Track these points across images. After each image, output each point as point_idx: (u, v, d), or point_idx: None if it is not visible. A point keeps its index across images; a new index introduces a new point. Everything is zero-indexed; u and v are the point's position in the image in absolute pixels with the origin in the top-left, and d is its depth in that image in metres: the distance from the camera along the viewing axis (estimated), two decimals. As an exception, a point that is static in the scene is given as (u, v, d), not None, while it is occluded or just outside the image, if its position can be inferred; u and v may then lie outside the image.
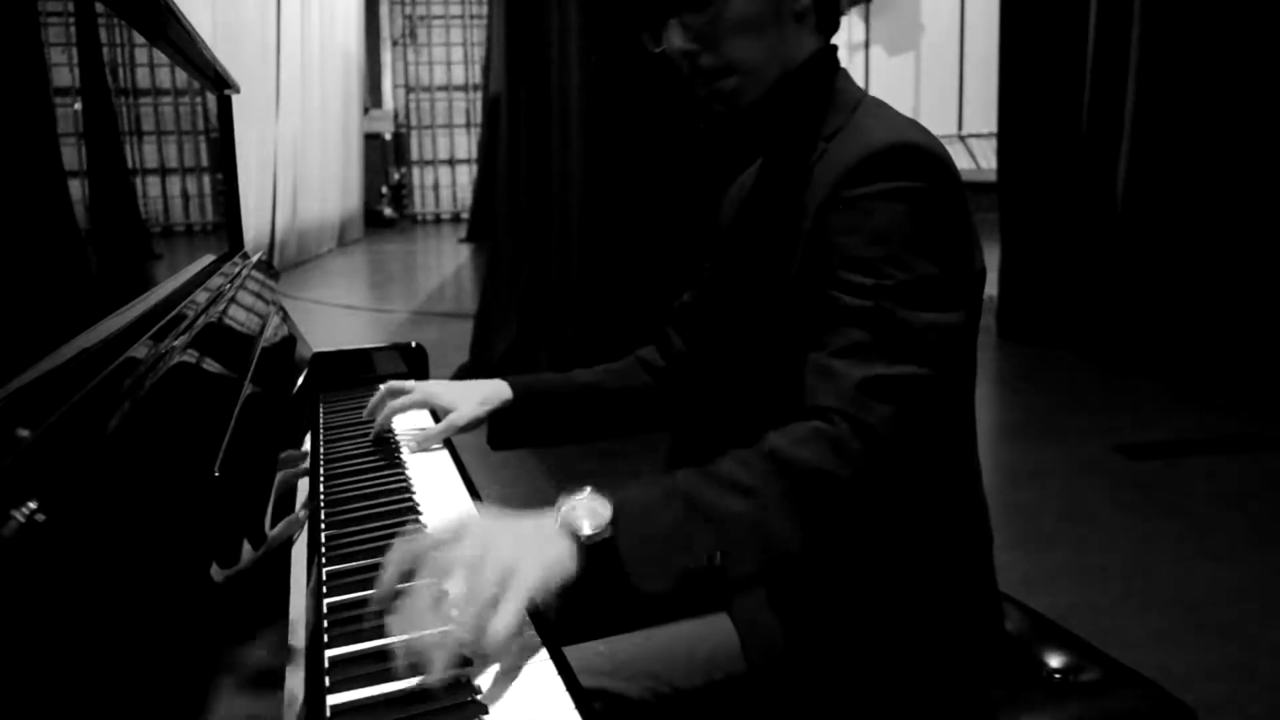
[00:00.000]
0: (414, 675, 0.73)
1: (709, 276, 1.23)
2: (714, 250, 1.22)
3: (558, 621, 1.15)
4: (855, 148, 0.94)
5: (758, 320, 1.04)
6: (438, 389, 1.30)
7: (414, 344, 1.73)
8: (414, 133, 15.26)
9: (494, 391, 1.27)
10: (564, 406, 1.29)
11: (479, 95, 14.32)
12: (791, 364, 0.94)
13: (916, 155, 0.92)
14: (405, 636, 0.75)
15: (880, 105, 1.02)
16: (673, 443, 1.20)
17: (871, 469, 0.85)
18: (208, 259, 1.59)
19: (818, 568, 0.99)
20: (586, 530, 0.81)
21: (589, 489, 0.84)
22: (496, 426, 1.28)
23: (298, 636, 0.78)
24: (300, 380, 1.47)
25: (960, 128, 11.34)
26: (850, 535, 0.89)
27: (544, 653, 0.78)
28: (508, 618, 0.73)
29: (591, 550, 0.80)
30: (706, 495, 0.84)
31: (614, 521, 0.81)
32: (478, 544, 0.78)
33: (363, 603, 0.85)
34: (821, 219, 0.94)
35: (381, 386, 1.33)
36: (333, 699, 0.71)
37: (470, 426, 1.27)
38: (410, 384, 1.32)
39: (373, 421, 1.33)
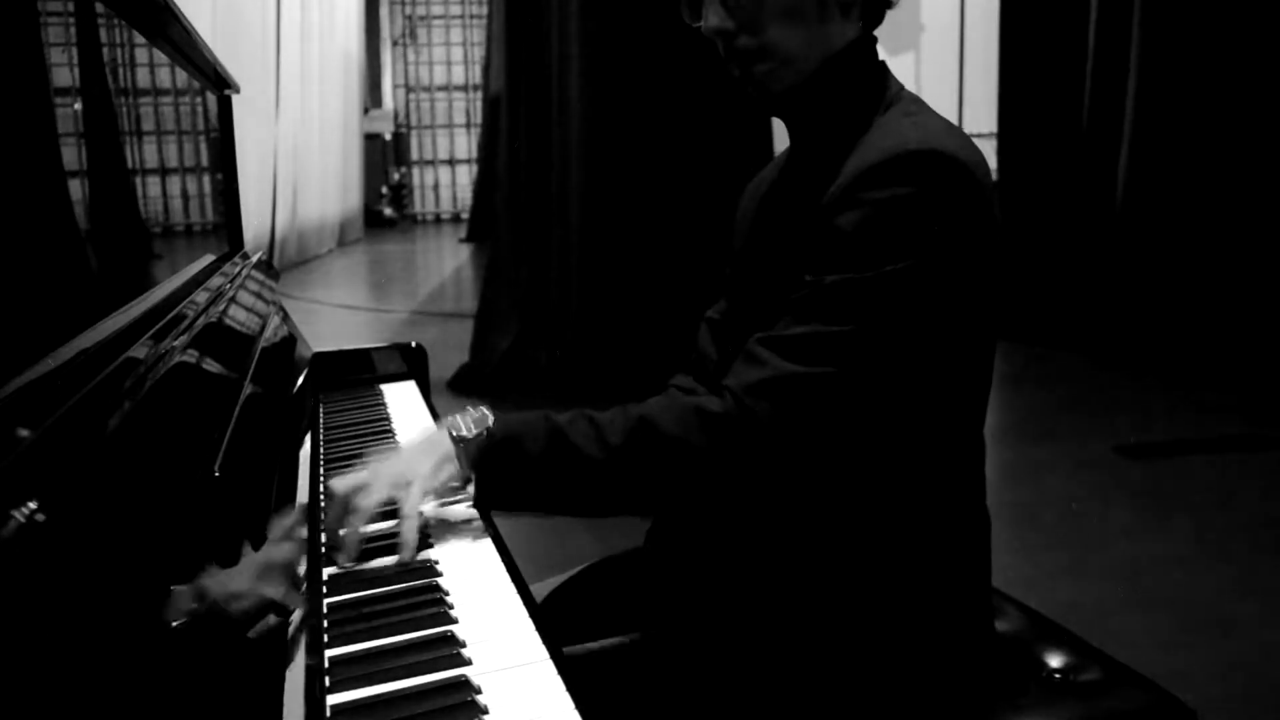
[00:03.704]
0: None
1: (733, 283, 1.19)
2: (735, 255, 1.19)
3: (558, 623, 1.15)
4: (880, 147, 0.92)
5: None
6: None
7: (414, 344, 1.73)
8: (414, 133, 15.25)
9: None
10: None
11: (479, 95, 14.31)
12: None
13: (938, 163, 0.90)
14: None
15: (916, 103, 1.00)
16: None
17: (739, 455, 0.90)
18: (208, 259, 1.58)
19: (802, 569, 0.99)
20: (465, 434, 0.96)
21: (481, 407, 0.99)
22: None
23: (297, 636, 0.78)
24: (300, 380, 1.47)
25: (960, 127, 11.37)
26: (713, 507, 1.01)
27: (544, 653, 0.78)
28: (409, 503, 0.93)
29: (468, 451, 0.96)
30: (574, 438, 0.94)
31: (489, 433, 0.96)
32: (370, 471, 0.95)
33: (363, 603, 0.85)
34: (829, 212, 0.92)
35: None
36: (333, 699, 0.71)
37: None
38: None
39: (374, 424, 1.32)
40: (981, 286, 0.94)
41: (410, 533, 0.92)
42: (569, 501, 0.98)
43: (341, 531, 0.93)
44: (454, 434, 0.96)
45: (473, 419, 0.97)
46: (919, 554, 0.99)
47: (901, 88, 1.03)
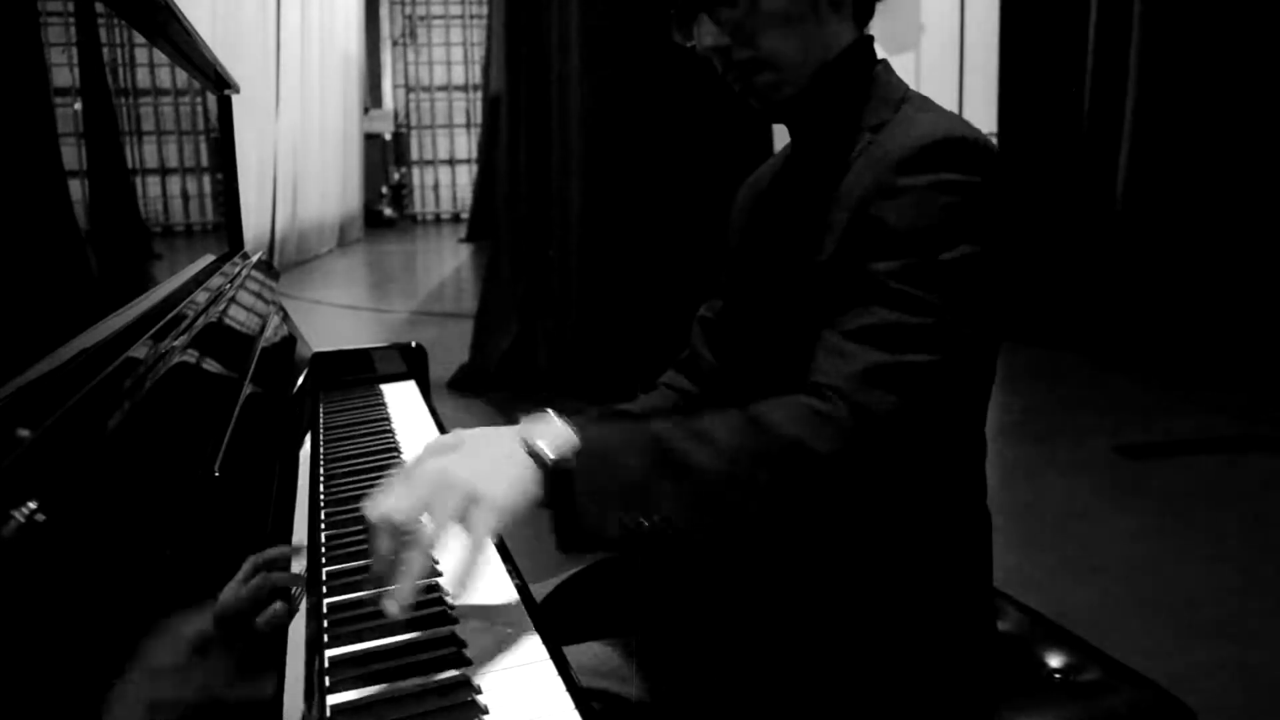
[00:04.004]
0: (381, 588, 0.74)
1: (729, 281, 1.19)
2: (731, 253, 1.18)
3: (558, 623, 1.15)
4: (907, 139, 0.92)
5: (788, 312, 1.01)
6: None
7: (414, 344, 1.73)
8: (414, 133, 15.26)
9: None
10: None
11: (479, 95, 14.32)
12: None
13: (971, 149, 0.91)
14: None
15: (927, 101, 1.00)
16: None
17: (860, 454, 0.84)
18: (208, 259, 1.58)
19: (809, 565, 0.99)
20: (552, 455, 0.78)
21: (551, 412, 0.82)
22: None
23: (297, 636, 0.78)
24: (300, 380, 1.47)
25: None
26: (826, 517, 0.87)
27: (544, 653, 0.78)
28: (476, 540, 0.73)
29: (555, 477, 0.78)
30: (679, 447, 0.81)
31: (578, 454, 0.79)
32: (436, 477, 0.75)
33: (362, 603, 0.85)
34: (865, 206, 0.92)
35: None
36: (333, 699, 0.71)
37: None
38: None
39: (374, 424, 1.32)
40: (1002, 269, 0.94)
41: (471, 572, 0.74)
42: (675, 523, 0.80)
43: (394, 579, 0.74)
44: (537, 455, 0.79)
45: (554, 436, 0.80)
46: (920, 554, 0.99)
47: (908, 87, 1.03)
